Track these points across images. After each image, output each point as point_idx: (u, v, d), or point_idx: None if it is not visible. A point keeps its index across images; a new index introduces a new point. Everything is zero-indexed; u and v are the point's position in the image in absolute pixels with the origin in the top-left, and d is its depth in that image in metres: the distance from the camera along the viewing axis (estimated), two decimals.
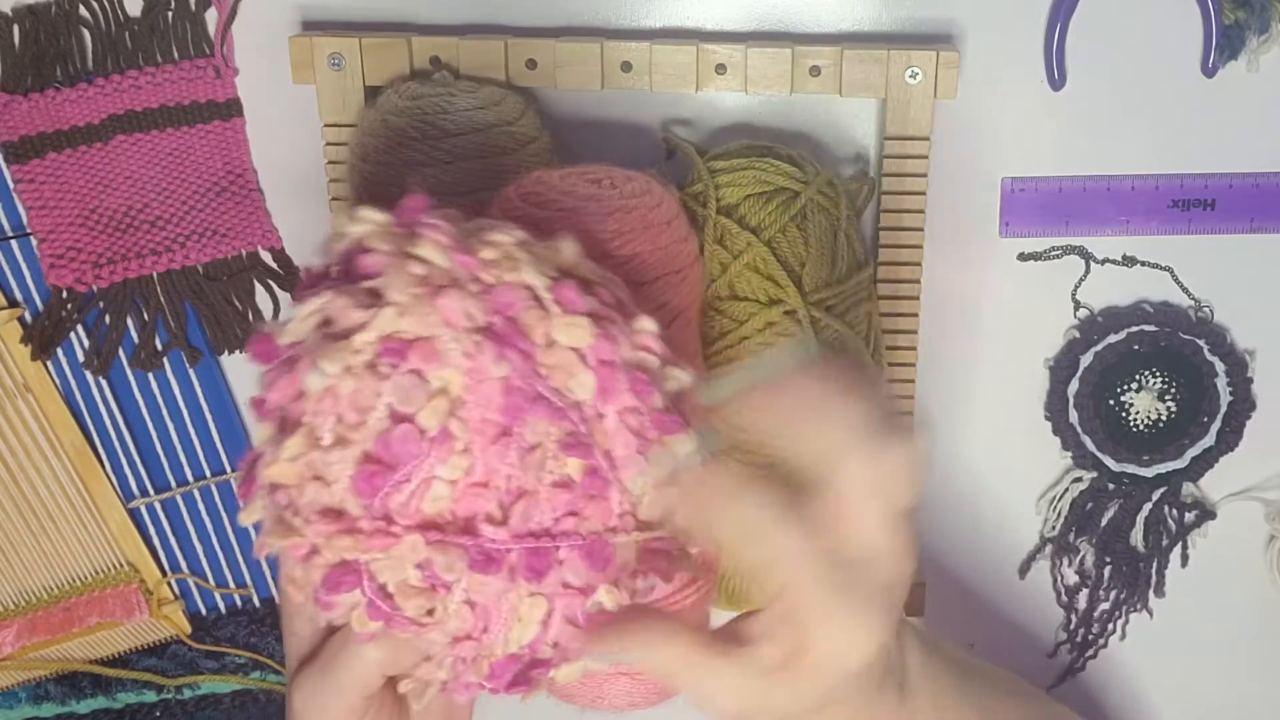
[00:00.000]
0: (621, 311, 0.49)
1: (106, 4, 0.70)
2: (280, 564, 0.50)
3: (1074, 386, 0.74)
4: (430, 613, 0.47)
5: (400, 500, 0.45)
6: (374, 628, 0.47)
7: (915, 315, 0.70)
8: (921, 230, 0.69)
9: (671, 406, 0.49)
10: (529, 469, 0.46)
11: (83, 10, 0.69)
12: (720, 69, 0.66)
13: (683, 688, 0.46)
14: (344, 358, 0.44)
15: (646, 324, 0.49)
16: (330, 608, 0.47)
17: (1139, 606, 0.79)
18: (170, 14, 0.70)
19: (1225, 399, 0.74)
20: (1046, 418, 0.75)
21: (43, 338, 0.74)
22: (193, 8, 0.70)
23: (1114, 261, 0.73)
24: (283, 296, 0.75)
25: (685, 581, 0.64)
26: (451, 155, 0.62)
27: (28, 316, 0.74)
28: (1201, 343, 0.73)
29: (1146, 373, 0.74)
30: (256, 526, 0.78)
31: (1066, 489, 0.76)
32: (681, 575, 0.51)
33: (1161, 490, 0.76)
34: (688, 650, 0.46)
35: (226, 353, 0.75)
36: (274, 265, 0.74)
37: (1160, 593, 0.78)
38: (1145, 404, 0.74)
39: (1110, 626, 0.79)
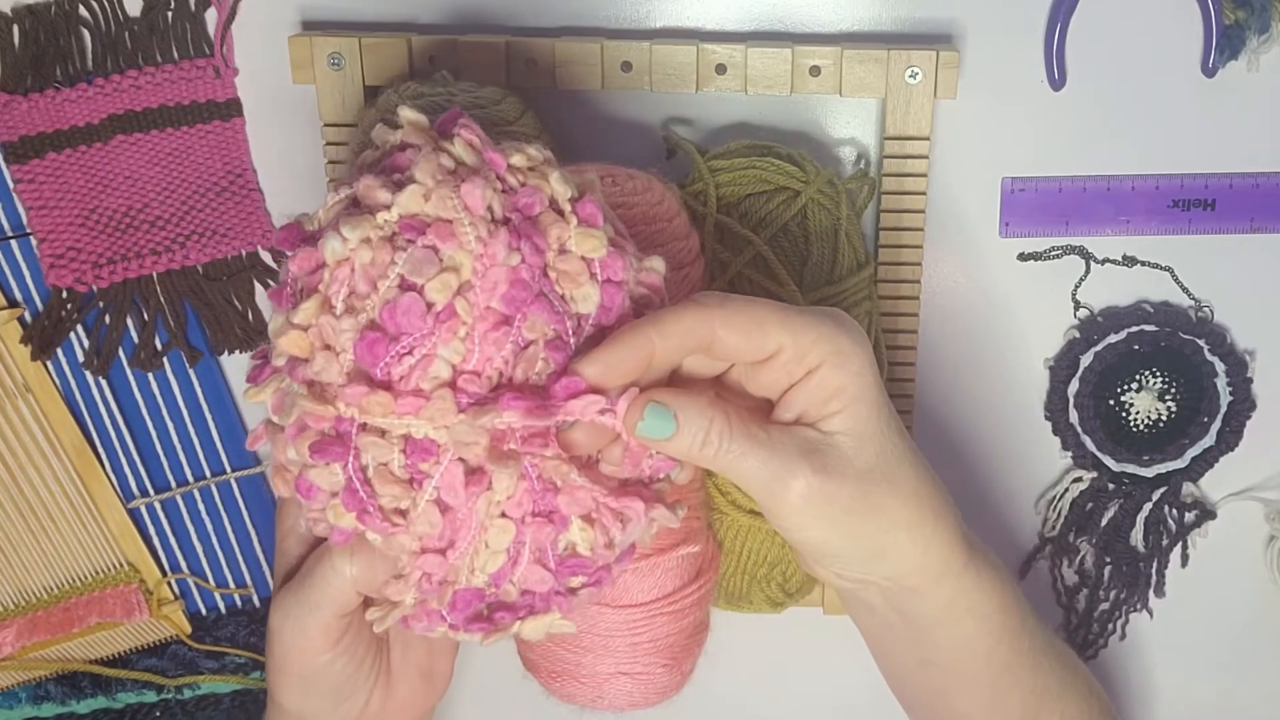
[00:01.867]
0: (633, 247, 0.51)
1: (106, 4, 0.70)
2: (273, 456, 0.51)
3: (1074, 386, 0.74)
4: (402, 513, 0.48)
5: (400, 371, 0.46)
6: (349, 521, 0.48)
7: (915, 315, 0.70)
8: (921, 230, 0.69)
9: None
10: (520, 363, 0.47)
11: (83, 10, 0.69)
12: (720, 69, 0.66)
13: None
14: (365, 228, 0.46)
15: (656, 263, 0.51)
16: (312, 494, 0.49)
17: (1139, 606, 0.79)
18: (170, 14, 0.70)
19: (1225, 399, 0.74)
20: (1046, 418, 0.75)
21: (43, 338, 0.74)
22: (192, 8, 0.70)
23: (1114, 261, 0.73)
24: None
25: (687, 580, 0.64)
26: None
27: (28, 316, 0.74)
28: (1201, 343, 0.73)
29: (1146, 373, 0.74)
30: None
31: (1066, 489, 0.76)
32: (661, 512, 0.51)
33: (1161, 490, 0.76)
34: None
35: (226, 353, 0.75)
36: (274, 265, 0.74)
37: (1160, 593, 0.78)
38: (1145, 404, 0.74)
39: (1110, 626, 0.79)
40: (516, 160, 0.49)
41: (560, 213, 0.49)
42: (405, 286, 0.46)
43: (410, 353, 0.46)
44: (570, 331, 0.48)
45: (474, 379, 0.47)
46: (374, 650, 0.58)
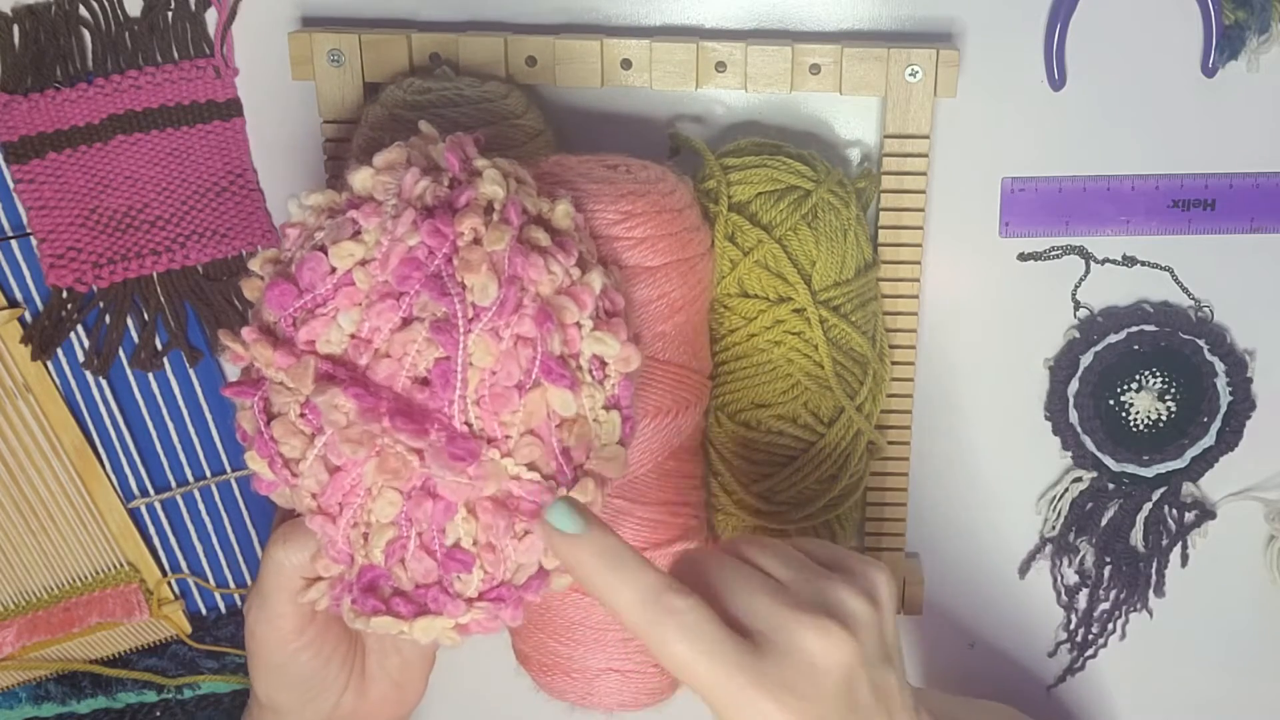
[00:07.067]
0: (579, 263, 0.53)
1: (106, 4, 0.70)
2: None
3: (1074, 386, 0.74)
4: (300, 464, 0.51)
5: (305, 326, 0.50)
6: (265, 470, 0.51)
7: (915, 315, 0.70)
8: (921, 230, 0.69)
9: (576, 364, 0.52)
10: (398, 337, 0.50)
11: (83, 10, 0.69)
12: (720, 67, 0.66)
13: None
14: (322, 200, 0.53)
15: (594, 278, 0.53)
16: (245, 440, 0.52)
17: (1139, 606, 0.79)
18: (170, 14, 0.70)
19: (1225, 399, 0.74)
20: (1046, 418, 0.75)
21: (43, 338, 0.74)
22: (192, 8, 0.70)
23: (1114, 261, 0.73)
24: None
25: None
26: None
27: (28, 316, 0.74)
28: (1201, 343, 0.73)
29: (1146, 373, 0.74)
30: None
31: (1066, 489, 0.76)
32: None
33: (1161, 490, 0.76)
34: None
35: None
36: None
37: (1160, 593, 0.78)
38: (1145, 404, 0.74)
39: (1110, 626, 0.79)
40: (480, 163, 0.53)
41: (491, 208, 0.52)
42: (319, 248, 0.50)
43: (313, 310, 0.50)
44: (462, 317, 0.50)
45: (362, 346, 0.50)
46: (344, 650, 0.60)
